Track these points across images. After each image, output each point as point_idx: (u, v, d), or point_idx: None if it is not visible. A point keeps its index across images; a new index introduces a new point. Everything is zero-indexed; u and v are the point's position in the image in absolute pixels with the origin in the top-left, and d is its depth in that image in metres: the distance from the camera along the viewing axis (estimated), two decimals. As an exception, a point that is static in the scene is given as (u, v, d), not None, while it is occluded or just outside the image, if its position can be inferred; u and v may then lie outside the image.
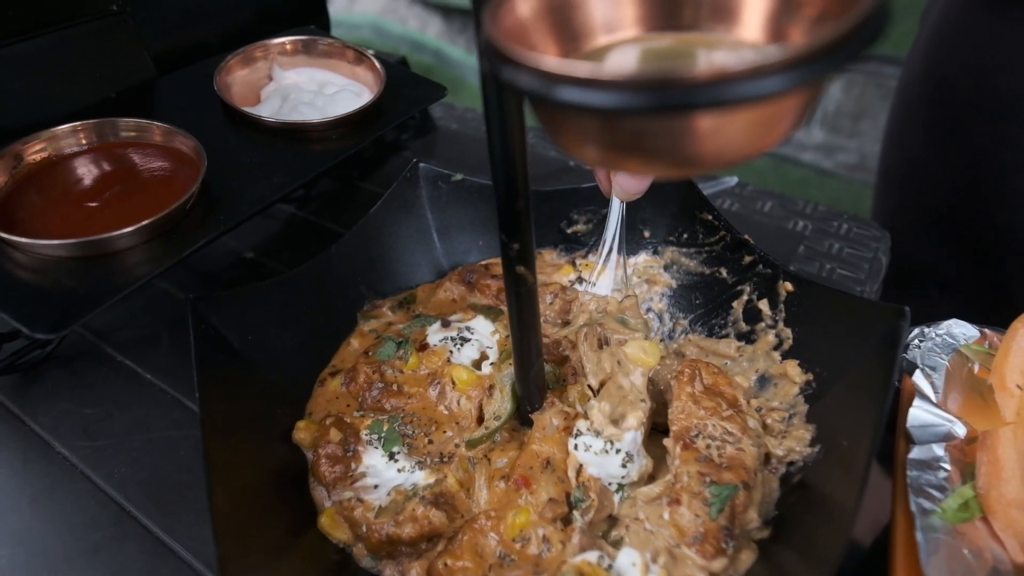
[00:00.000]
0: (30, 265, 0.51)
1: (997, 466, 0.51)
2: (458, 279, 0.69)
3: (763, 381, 0.59)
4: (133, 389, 0.71)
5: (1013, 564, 0.48)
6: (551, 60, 0.27)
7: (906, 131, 0.97)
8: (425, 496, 0.51)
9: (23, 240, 0.51)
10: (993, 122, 0.83)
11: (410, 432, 0.57)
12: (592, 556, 0.47)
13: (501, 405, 0.57)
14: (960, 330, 0.62)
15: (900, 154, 0.99)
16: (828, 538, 0.43)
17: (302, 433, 0.58)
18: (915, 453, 0.53)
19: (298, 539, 0.51)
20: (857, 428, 0.48)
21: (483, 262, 0.72)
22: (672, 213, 0.68)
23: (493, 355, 0.62)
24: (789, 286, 0.59)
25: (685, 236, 0.67)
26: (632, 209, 0.67)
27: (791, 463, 0.53)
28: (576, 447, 0.53)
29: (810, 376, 0.56)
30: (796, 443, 0.53)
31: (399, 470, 0.54)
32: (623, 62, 0.32)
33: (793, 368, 0.57)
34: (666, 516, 0.49)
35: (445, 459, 0.55)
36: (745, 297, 0.63)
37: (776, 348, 0.59)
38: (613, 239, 0.64)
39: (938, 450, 0.53)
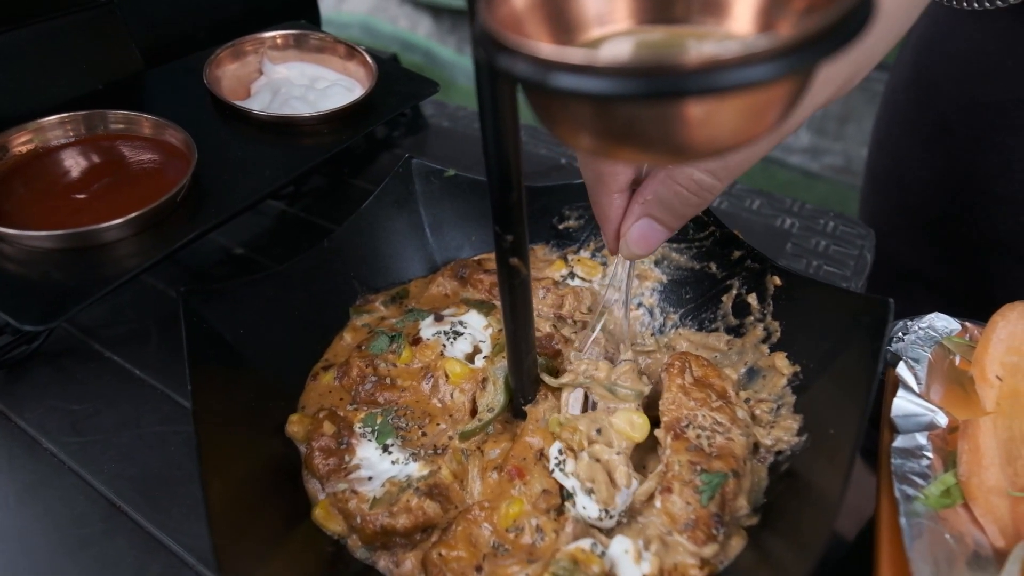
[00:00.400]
0: (17, 257, 0.51)
1: (978, 454, 0.53)
2: (451, 274, 0.70)
3: (752, 373, 0.60)
4: (122, 385, 0.70)
5: (993, 548, 0.49)
6: (547, 47, 0.27)
7: (893, 135, 0.99)
8: (419, 487, 0.52)
9: (10, 231, 0.50)
10: (978, 128, 0.84)
11: (404, 425, 0.57)
12: (586, 544, 0.47)
13: (494, 397, 0.58)
14: (942, 323, 0.63)
15: (887, 157, 1.01)
16: (814, 525, 0.44)
17: (295, 427, 0.58)
18: (899, 442, 0.54)
19: (292, 531, 0.51)
20: (843, 418, 0.49)
21: (475, 257, 0.72)
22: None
23: (486, 349, 0.62)
24: (777, 280, 0.60)
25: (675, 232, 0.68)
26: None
27: (779, 452, 0.54)
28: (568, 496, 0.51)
29: (797, 368, 0.57)
30: (784, 433, 0.54)
31: (393, 462, 0.54)
32: (617, 51, 0.33)
33: (781, 360, 0.58)
34: (658, 504, 0.49)
35: (439, 451, 0.55)
36: (734, 291, 0.64)
37: (764, 341, 0.60)
38: (616, 299, 0.61)
39: (921, 439, 0.54)
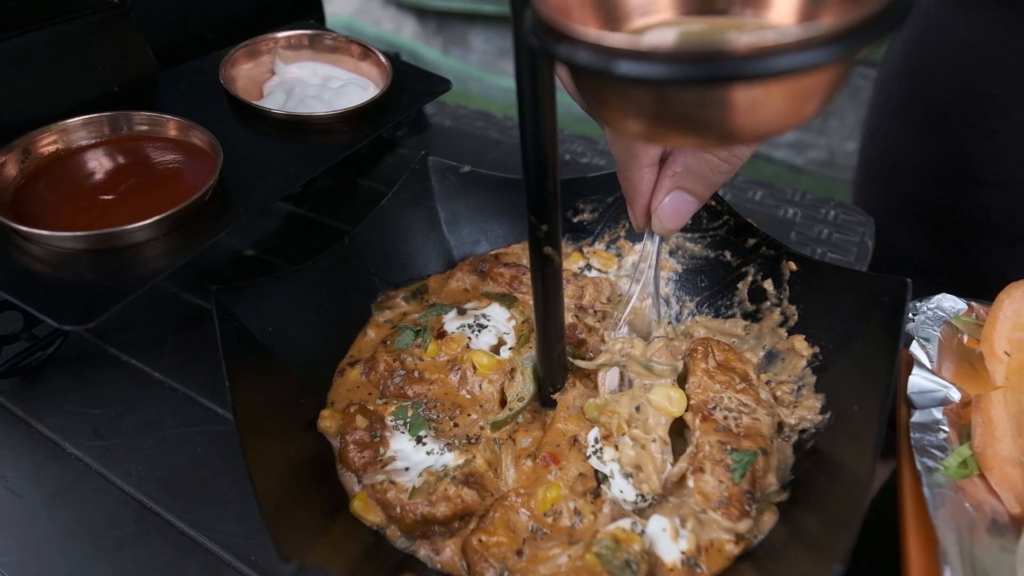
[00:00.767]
0: (47, 258, 0.51)
1: (991, 427, 0.55)
2: (470, 268, 0.71)
3: (771, 356, 0.62)
4: (142, 389, 0.70)
5: (1009, 515, 0.51)
6: (614, 36, 0.28)
7: (886, 124, 1.01)
8: (456, 476, 0.53)
9: (40, 232, 0.50)
10: (970, 115, 0.87)
11: (435, 417, 0.58)
12: (626, 523, 0.48)
13: (524, 387, 0.59)
14: (949, 304, 0.65)
15: (880, 146, 1.04)
16: (845, 500, 0.46)
17: (327, 421, 0.58)
18: (917, 417, 0.56)
19: (331, 523, 0.52)
20: (866, 394, 0.50)
21: (493, 252, 0.73)
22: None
23: (511, 340, 0.63)
24: (793, 265, 0.62)
25: (689, 222, 0.69)
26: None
27: (803, 431, 0.55)
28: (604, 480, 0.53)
29: (816, 349, 0.59)
30: (807, 412, 0.55)
31: (428, 452, 0.55)
32: (677, 39, 0.34)
33: (800, 342, 0.60)
34: (691, 484, 0.51)
35: (472, 441, 0.56)
36: (750, 278, 0.65)
37: (782, 325, 0.62)
38: (647, 279, 0.62)
39: (937, 414, 0.56)
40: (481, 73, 3.33)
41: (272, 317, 0.59)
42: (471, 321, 0.64)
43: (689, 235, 0.70)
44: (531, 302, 0.67)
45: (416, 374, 0.61)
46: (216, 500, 0.60)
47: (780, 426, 0.56)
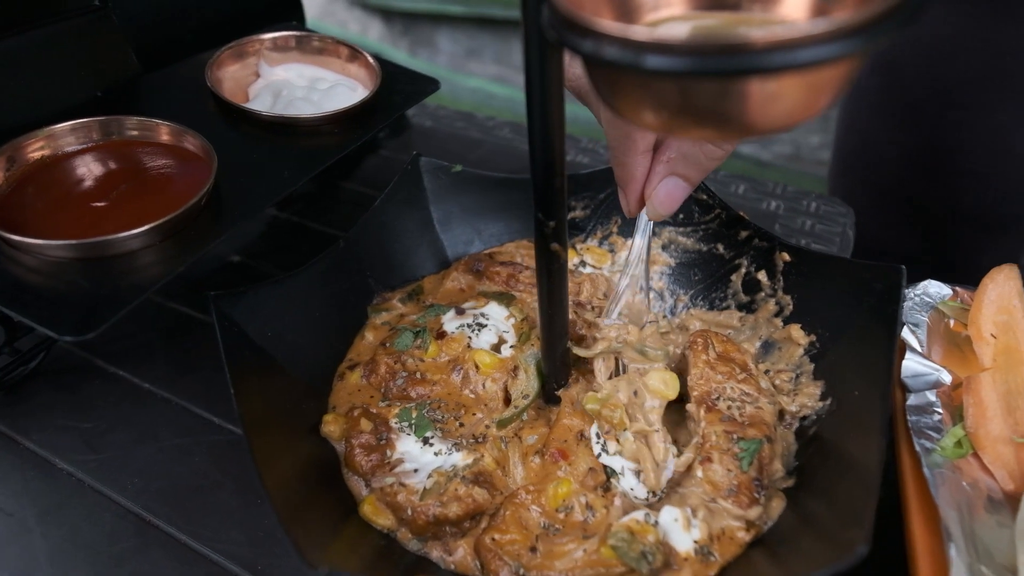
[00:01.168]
0: (40, 268, 0.50)
1: (982, 407, 0.57)
2: (465, 268, 0.71)
3: (767, 346, 0.63)
4: (133, 400, 0.69)
5: (1003, 492, 0.53)
6: (641, 30, 0.29)
7: (861, 117, 1.04)
8: (466, 476, 0.52)
9: (32, 241, 0.49)
10: (943, 105, 0.90)
11: (440, 417, 0.58)
12: (639, 515, 0.49)
13: (528, 384, 0.59)
14: (935, 289, 0.67)
15: (856, 139, 1.07)
16: (853, 482, 0.47)
17: (331, 426, 0.58)
18: (912, 400, 0.57)
19: (342, 528, 0.51)
20: (867, 379, 0.52)
21: (487, 251, 0.73)
22: (666, 195, 0.71)
23: (511, 338, 0.63)
24: (786, 256, 0.63)
25: (681, 216, 0.71)
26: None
27: (804, 418, 0.57)
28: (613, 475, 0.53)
29: (813, 337, 0.60)
30: (807, 399, 0.57)
31: (436, 453, 0.54)
32: (689, 33, 0.35)
33: (796, 331, 0.61)
34: (699, 474, 0.51)
35: (479, 440, 0.56)
36: (743, 270, 0.67)
37: (777, 315, 0.63)
38: (638, 263, 0.63)
39: (930, 396, 0.58)
40: (449, 74, 3.32)
41: (271, 322, 0.59)
42: (470, 320, 0.64)
43: (681, 229, 0.71)
44: (528, 300, 0.68)
45: (418, 375, 0.61)
46: (218, 510, 0.59)
47: (781, 414, 0.57)
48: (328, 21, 3.52)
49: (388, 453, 0.55)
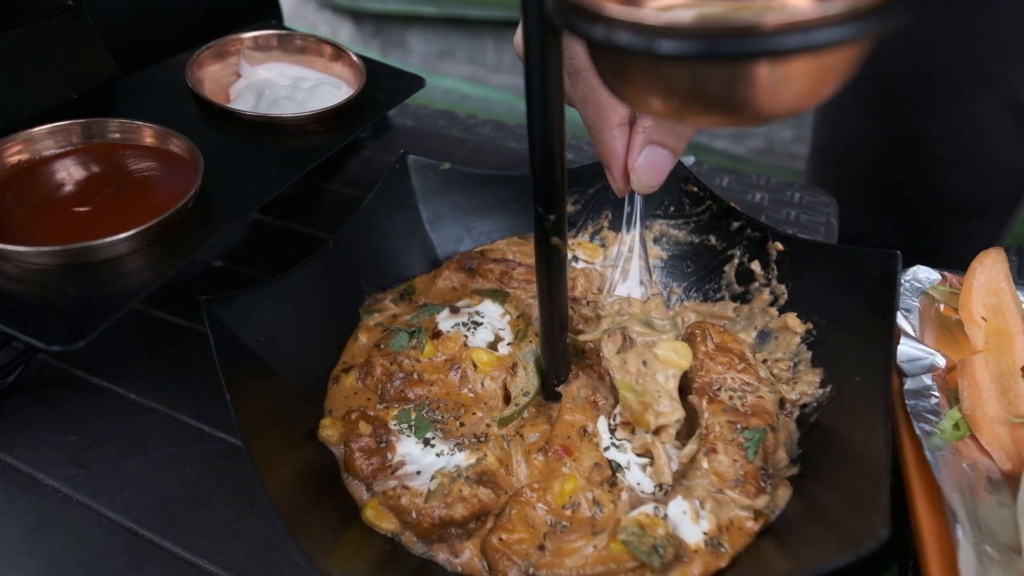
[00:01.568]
0: (22, 277, 0.48)
1: (977, 389, 0.57)
2: (457, 266, 0.70)
3: (763, 336, 0.63)
4: (118, 411, 0.67)
5: (1001, 472, 0.54)
6: (652, 14, 0.28)
7: (840, 109, 1.05)
8: (469, 476, 0.52)
9: (13, 248, 0.47)
10: (921, 95, 0.91)
11: (439, 417, 0.57)
12: (648, 509, 0.49)
13: (527, 381, 0.58)
14: (924, 274, 0.68)
15: (835, 131, 1.08)
16: (859, 467, 0.47)
17: (328, 430, 0.56)
18: (909, 384, 0.58)
19: (344, 534, 0.50)
20: (866, 364, 0.52)
21: (478, 248, 0.73)
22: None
23: (507, 336, 0.63)
24: (780, 245, 0.63)
25: (672, 208, 0.71)
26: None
27: (804, 406, 0.57)
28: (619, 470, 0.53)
29: (809, 325, 0.60)
30: (807, 387, 0.57)
31: (438, 454, 0.54)
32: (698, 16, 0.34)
33: (792, 320, 0.61)
34: (704, 465, 0.51)
35: (481, 439, 0.55)
36: (736, 260, 0.67)
37: (772, 304, 0.64)
38: (633, 238, 0.63)
39: (927, 380, 0.58)
40: (422, 75, 3.30)
41: (263, 326, 0.57)
42: (465, 319, 0.63)
43: (672, 222, 0.71)
44: (523, 296, 0.67)
45: (415, 376, 0.60)
46: (212, 521, 0.57)
47: (781, 402, 0.57)
48: (298, 23, 3.48)
49: (389, 456, 0.54)
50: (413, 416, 0.57)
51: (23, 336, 0.43)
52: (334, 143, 0.64)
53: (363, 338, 0.65)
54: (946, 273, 0.68)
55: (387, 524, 0.51)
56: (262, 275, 0.82)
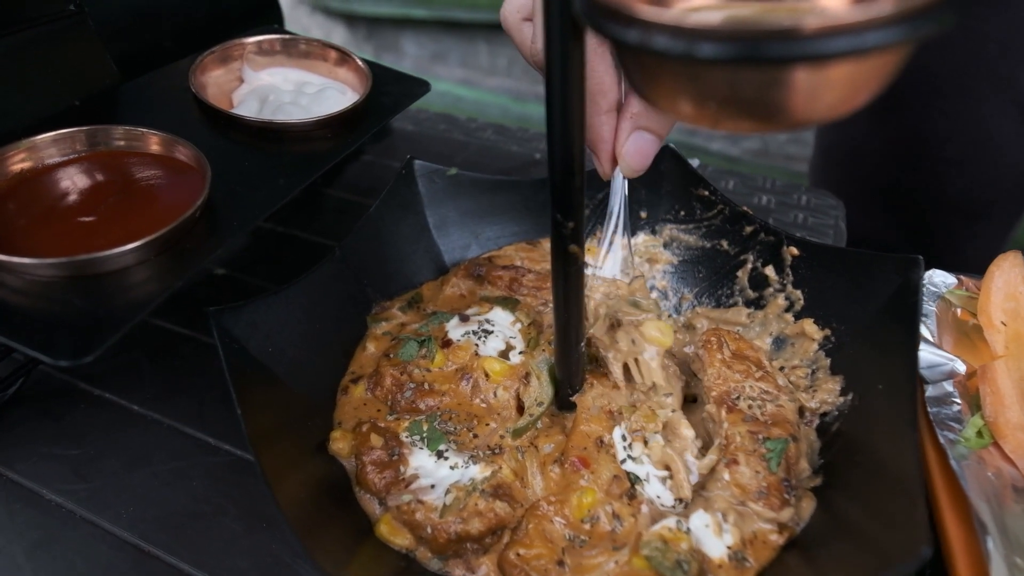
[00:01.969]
0: (27, 289, 0.46)
1: (999, 396, 0.56)
2: (465, 273, 0.69)
3: (779, 343, 0.62)
4: (121, 424, 0.65)
5: (1026, 480, 0.53)
6: (692, 16, 0.27)
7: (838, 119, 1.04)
8: (485, 490, 0.50)
9: (17, 260, 0.45)
10: (927, 95, 0.90)
11: (452, 429, 0.56)
12: (671, 522, 0.47)
13: (541, 391, 0.57)
14: (940, 278, 0.67)
15: (836, 130, 1.07)
16: (885, 479, 0.46)
17: (339, 443, 0.55)
18: (930, 391, 0.57)
19: (358, 550, 0.49)
20: (889, 371, 0.51)
21: (486, 255, 0.71)
22: (667, 192, 0.70)
23: (519, 344, 0.61)
24: (795, 250, 0.62)
25: (682, 213, 0.70)
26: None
27: (824, 414, 0.56)
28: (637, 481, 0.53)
29: (828, 331, 0.59)
30: (827, 395, 0.56)
31: (452, 467, 0.52)
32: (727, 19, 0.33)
33: (810, 326, 0.60)
34: (726, 477, 0.50)
35: (495, 451, 0.54)
36: (749, 265, 0.66)
37: (788, 310, 0.63)
38: (617, 219, 0.64)
39: (948, 387, 0.58)
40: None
41: (272, 337, 0.56)
42: (475, 327, 0.62)
43: (683, 226, 0.70)
44: (533, 304, 0.66)
45: (426, 386, 0.59)
46: (221, 536, 0.56)
47: (801, 411, 0.56)
48: (291, 27, 3.45)
49: (402, 469, 0.53)
50: (425, 428, 0.56)
51: (29, 351, 0.41)
52: (341, 148, 0.62)
53: (371, 347, 0.64)
54: (962, 277, 0.68)
55: (401, 540, 0.50)
56: (265, 283, 0.81)
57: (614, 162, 0.52)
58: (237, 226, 0.52)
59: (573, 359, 0.55)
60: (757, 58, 0.26)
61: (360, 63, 0.72)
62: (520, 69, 3.01)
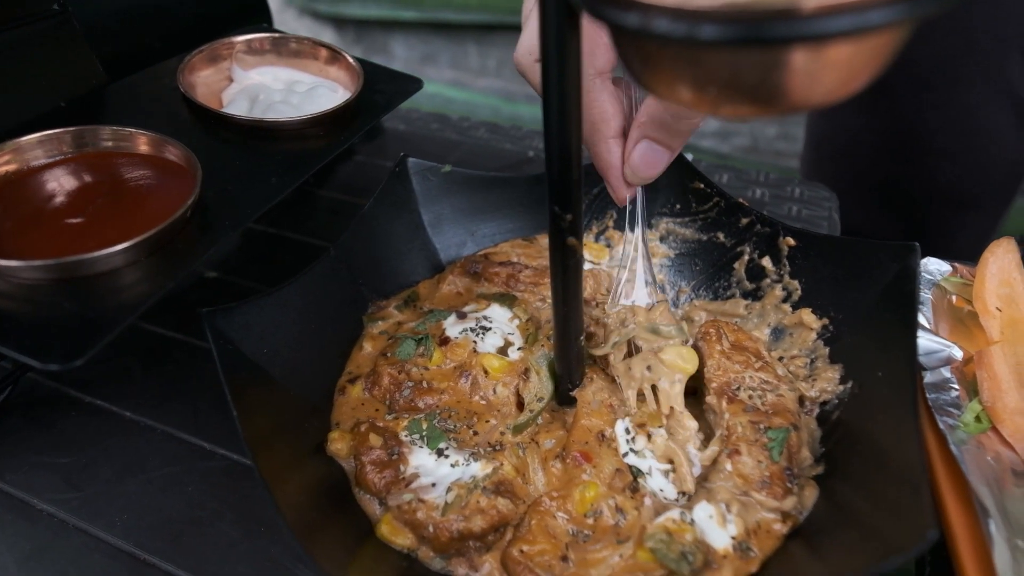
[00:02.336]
0: (14, 293, 0.45)
1: (996, 381, 0.57)
2: (461, 271, 0.68)
3: (777, 333, 0.62)
4: (113, 431, 0.64)
5: (1024, 464, 0.53)
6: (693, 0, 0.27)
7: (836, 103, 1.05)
8: (487, 487, 0.50)
9: (4, 263, 0.44)
10: (917, 85, 0.91)
11: (452, 427, 0.55)
12: (675, 514, 0.47)
13: (541, 387, 0.57)
14: (934, 266, 0.67)
15: (831, 125, 1.07)
16: (887, 465, 0.46)
17: (338, 444, 0.54)
18: (928, 378, 0.57)
19: (359, 551, 0.48)
20: (888, 359, 0.51)
21: (481, 252, 0.71)
22: (663, 186, 0.70)
23: (517, 341, 0.61)
24: (791, 241, 0.62)
25: (678, 206, 0.70)
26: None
27: (824, 403, 0.56)
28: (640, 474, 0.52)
29: (825, 321, 0.59)
30: (826, 384, 0.56)
31: (453, 465, 0.52)
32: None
33: (808, 315, 0.60)
34: (728, 468, 0.50)
35: (496, 448, 0.54)
36: (746, 257, 0.66)
37: (785, 300, 0.62)
38: (636, 238, 0.60)
39: (945, 372, 0.58)
40: (408, 80, 3.27)
41: (266, 338, 0.55)
42: (473, 324, 0.62)
43: (679, 219, 0.70)
44: (531, 300, 0.66)
45: (424, 384, 0.58)
46: (218, 542, 0.55)
47: (801, 400, 0.56)
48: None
49: (402, 468, 0.52)
50: (424, 426, 0.55)
51: (18, 355, 0.40)
52: (334, 147, 0.62)
53: (368, 347, 0.63)
54: (956, 264, 0.68)
55: (403, 540, 0.49)
56: (257, 285, 0.80)
57: (626, 187, 0.51)
58: (229, 226, 0.52)
59: (572, 353, 0.54)
60: (760, 38, 0.26)
61: (351, 61, 0.71)
62: (510, 70, 3.01)
